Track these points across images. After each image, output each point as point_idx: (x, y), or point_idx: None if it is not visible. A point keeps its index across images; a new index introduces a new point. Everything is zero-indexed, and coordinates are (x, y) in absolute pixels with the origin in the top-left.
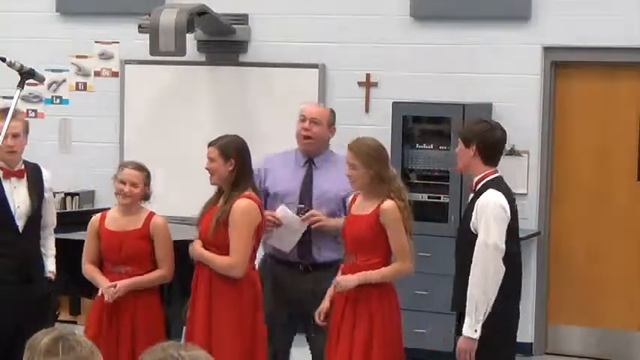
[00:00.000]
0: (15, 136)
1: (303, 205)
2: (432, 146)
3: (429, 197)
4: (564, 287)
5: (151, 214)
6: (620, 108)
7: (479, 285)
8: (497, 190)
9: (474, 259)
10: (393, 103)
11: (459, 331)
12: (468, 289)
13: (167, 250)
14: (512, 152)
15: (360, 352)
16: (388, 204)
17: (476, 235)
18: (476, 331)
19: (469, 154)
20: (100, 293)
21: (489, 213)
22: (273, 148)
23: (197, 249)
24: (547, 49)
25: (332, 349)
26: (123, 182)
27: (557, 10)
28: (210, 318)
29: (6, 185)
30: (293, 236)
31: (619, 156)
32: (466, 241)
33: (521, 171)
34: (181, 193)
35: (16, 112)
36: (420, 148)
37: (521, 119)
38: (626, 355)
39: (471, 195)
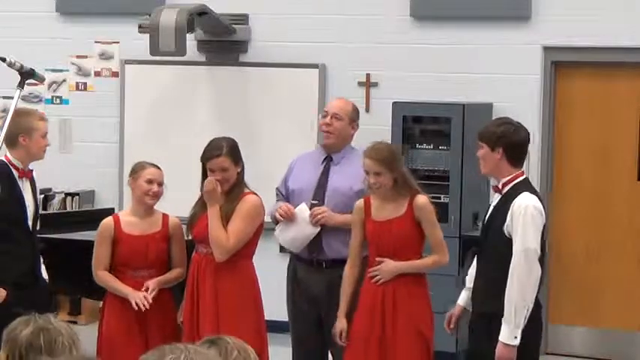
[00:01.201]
0: (45, 135)
1: (316, 201)
2: (432, 146)
3: (429, 197)
4: (564, 287)
5: (166, 215)
6: (620, 108)
7: (519, 291)
8: (532, 193)
9: (512, 265)
10: (393, 103)
11: (485, 332)
12: (507, 294)
13: (183, 249)
14: None
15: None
16: (422, 199)
17: (509, 239)
18: (515, 337)
19: (495, 157)
20: (133, 301)
21: (528, 217)
22: (272, 148)
23: (215, 201)
24: (547, 49)
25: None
26: (151, 182)
27: (557, 10)
28: (218, 315)
29: (20, 185)
30: (305, 237)
31: (619, 156)
32: (498, 243)
33: None
34: (181, 193)
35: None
36: (420, 148)
37: (521, 119)
38: (626, 355)
39: (496, 195)
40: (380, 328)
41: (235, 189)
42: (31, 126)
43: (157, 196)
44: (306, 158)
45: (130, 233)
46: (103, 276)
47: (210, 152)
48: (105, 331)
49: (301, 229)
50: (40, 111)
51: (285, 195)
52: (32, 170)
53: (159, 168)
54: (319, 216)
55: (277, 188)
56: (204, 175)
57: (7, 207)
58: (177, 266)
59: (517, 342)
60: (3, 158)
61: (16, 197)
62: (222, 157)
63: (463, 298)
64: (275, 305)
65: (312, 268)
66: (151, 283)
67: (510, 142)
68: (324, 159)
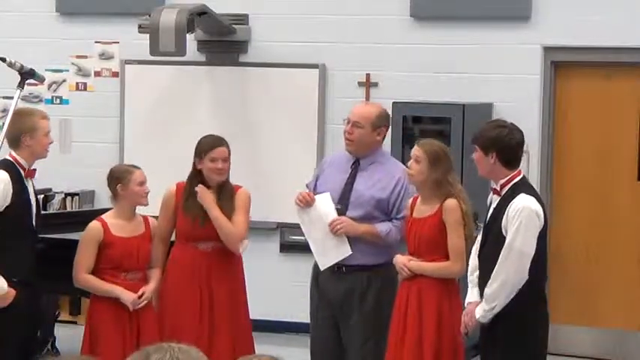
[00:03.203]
0: (48, 134)
1: (339, 206)
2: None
3: (462, 204)
4: (564, 287)
5: (145, 217)
6: (620, 108)
7: (496, 285)
8: (530, 194)
9: (499, 260)
10: (393, 103)
11: (493, 328)
12: (488, 284)
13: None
14: None
15: (430, 349)
16: (451, 202)
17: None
18: (481, 316)
19: (489, 161)
20: (130, 305)
21: (523, 219)
22: (272, 148)
23: (209, 202)
24: (547, 49)
25: (396, 344)
26: (142, 183)
27: (557, 10)
28: (231, 303)
29: (26, 185)
30: (330, 243)
31: (619, 156)
32: (499, 244)
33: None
34: None
35: (44, 112)
36: None
37: (521, 119)
38: (626, 355)
39: (494, 197)
40: (402, 329)
41: (228, 183)
42: (33, 125)
43: (147, 195)
44: (338, 160)
45: (120, 236)
46: (88, 279)
47: (214, 142)
48: (94, 332)
49: (321, 226)
50: (41, 109)
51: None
52: (35, 170)
53: (139, 168)
54: (337, 227)
55: (307, 185)
56: (196, 176)
57: (18, 208)
58: (157, 266)
59: (482, 320)
60: (9, 157)
61: (25, 198)
62: (224, 147)
63: (475, 294)
64: (273, 305)
65: (332, 274)
66: (147, 291)
67: (503, 145)
68: (353, 163)
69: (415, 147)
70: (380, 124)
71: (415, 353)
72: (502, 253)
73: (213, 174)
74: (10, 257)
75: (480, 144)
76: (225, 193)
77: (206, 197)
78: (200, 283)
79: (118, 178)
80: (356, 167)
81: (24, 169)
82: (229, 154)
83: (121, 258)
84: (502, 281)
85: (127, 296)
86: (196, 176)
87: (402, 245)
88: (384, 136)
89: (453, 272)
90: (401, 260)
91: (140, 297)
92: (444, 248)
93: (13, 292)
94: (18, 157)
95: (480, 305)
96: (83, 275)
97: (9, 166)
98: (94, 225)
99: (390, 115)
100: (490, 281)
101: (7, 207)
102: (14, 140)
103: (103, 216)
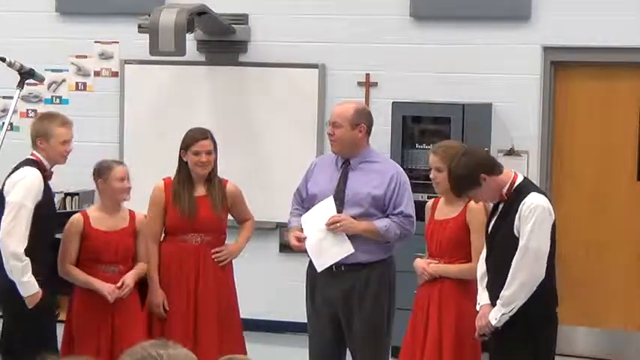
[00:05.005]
0: (66, 142)
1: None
2: (431, 146)
3: (428, 197)
4: (564, 287)
5: (132, 211)
6: (620, 108)
7: (515, 287)
8: (540, 192)
9: (517, 260)
10: (393, 103)
11: (507, 331)
12: (506, 286)
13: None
14: (512, 152)
15: (450, 351)
16: (476, 204)
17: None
18: (496, 319)
19: (489, 186)
20: (108, 296)
21: (537, 217)
22: (272, 148)
23: (238, 249)
24: (547, 49)
25: (412, 342)
26: (122, 179)
27: (557, 10)
28: (219, 295)
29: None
30: (329, 247)
31: (619, 156)
32: (510, 247)
33: (521, 171)
34: None
35: (67, 120)
36: (420, 148)
37: (521, 119)
38: (626, 355)
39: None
40: (424, 331)
41: (215, 175)
42: (48, 131)
43: (129, 191)
44: (326, 161)
45: (99, 229)
46: (72, 270)
47: (197, 135)
48: (74, 325)
49: (321, 231)
50: (65, 116)
51: (306, 197)
52: (52, 172)
53: (123, 164)
54: (335, 224)
55: (298, 189)
56: (182, 166)
57: (44, 207)
58: (143, 260)
59: (495, 322)
60: (32, 157)
61: (49, 197)
62: (209, 139)
63: (486, 297)
64: (273, 305)
65: (329, 272)
66: (129, 279)
67: (484, 166)
68: (343, 163)
69: (431, 156)
70: (358, 121)
71: (435, 354)
72: (518, 253)
73: (197, 167)
74: (35, 257)
75: (470, 184)
76: (214, 186)
77: (234, 251)
78: (187, 279)
79: (99, 172)
80: (346, 167)
81: (44, 170)
82: (215, 146)
83: (97, 251)
84: (521, 282)
85: (104, 287)
86: (183, 167)
87: (403, 244)
88: (367, 132)
89: (473, 272)
90: (420, 264)
91: (120, 287)
92: (466, 249)
93: (41, 292)
94: (40, 157)
95: (496, 310)
96: (67, 266)
97: (36, 165)
98: (75, 217)
99: (391, 115)
100: (508, 283)
101: (35, 206)
102: (32, 141)
103: (88, 209)
